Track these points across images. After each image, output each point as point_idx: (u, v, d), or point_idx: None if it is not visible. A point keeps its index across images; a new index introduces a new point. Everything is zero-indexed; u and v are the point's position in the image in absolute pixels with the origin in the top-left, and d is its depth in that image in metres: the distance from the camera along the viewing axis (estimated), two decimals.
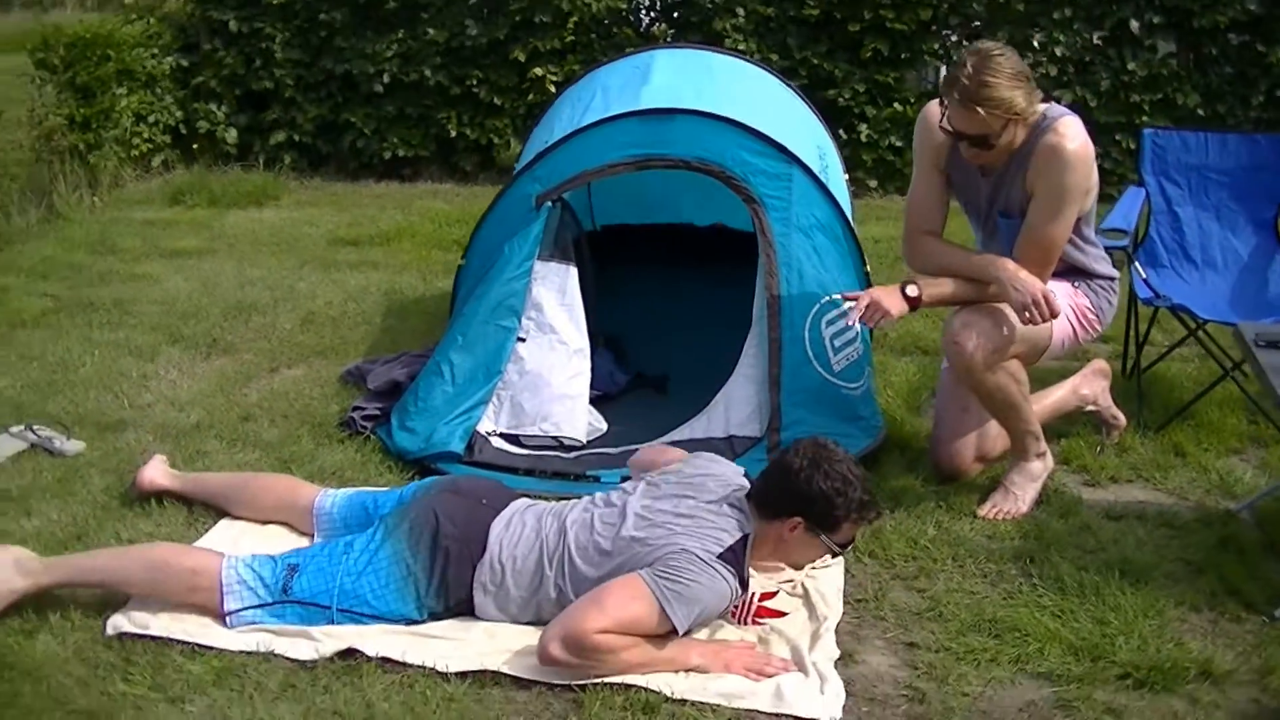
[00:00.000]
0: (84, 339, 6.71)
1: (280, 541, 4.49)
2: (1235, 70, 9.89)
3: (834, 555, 4.11)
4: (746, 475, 4.21)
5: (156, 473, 4.84)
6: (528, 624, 4.00)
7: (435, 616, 4.04)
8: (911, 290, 4.68)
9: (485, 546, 4.05)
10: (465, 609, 4.05)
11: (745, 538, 3.95)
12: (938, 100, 4.66)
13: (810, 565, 4.22)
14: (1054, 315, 4.54)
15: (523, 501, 4.29)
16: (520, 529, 4.09)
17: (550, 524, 4.09)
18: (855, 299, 4.72)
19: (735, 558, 3.90)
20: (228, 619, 3.96)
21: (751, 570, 4.04)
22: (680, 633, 3.77)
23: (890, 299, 4.68)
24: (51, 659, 3.82)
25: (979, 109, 4.43)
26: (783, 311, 5.14)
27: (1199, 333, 5.59)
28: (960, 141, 4.61)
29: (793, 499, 3.97)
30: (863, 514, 3.99)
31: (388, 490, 4.53)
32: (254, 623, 3.96)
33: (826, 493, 3.92)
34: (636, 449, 4.90)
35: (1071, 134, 4.54)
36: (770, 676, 3.77)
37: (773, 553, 4.07)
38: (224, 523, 4.65)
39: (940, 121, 4.61)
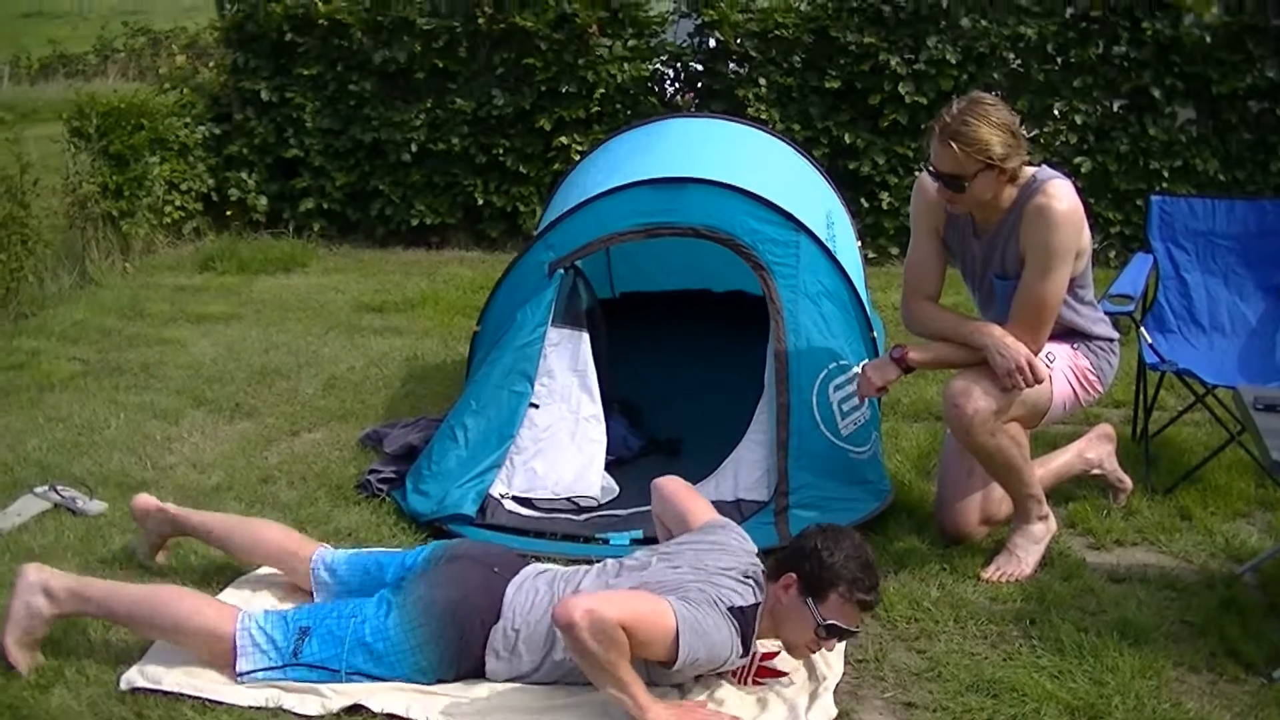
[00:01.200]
0: (110, 401, 6.83)
1: (291, 596, 4.57)
2: (1255, 136, 9.90)
3: (820, 636, 3.99)
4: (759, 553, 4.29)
5: (148, 500, 4.88)
6: (534, 684, 4.08)
7: (442, 681, 4.10)
8: (897, 352, 4.79)
9: (499, 613, 4.12)
10: (475, 674, 4.12)
11: (756, 605, 4.03)
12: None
13: (804, 652, 4.12)
14: (1038, 381, 4.62)
15: (534, 567, 4.36)
16: (533, 595, 4.15)
17: (563, 588, 4.14)
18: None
19: (744, 618, 3.96)
20: (239, 679, 4.05)
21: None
22: (675, 666, 3.82)
23: (876, 370, 4.85)
24: (66, 712, 3.92)
25: (954, 145, 4.55)
26: (790, 376, 5.22)
27: (1207, 398, 5.64)
28: (937, 182, 4.69)
29: (792, 555, 4.06)
30: (852, 587, 3.95)
31: (391, 553, 4.59)
32: (263, 675, 4.06)
33: (820, 549, 3.97)
34: (647, 510, 4.97)
35: (1060, 195, 4.62)
36: None
37: (770, 621, 4.08)
38: (231, 589, 4.70)
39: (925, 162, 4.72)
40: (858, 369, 4.97)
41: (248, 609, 4.26)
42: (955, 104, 4.64)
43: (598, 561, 4.37)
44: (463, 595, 4.13)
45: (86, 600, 4.21)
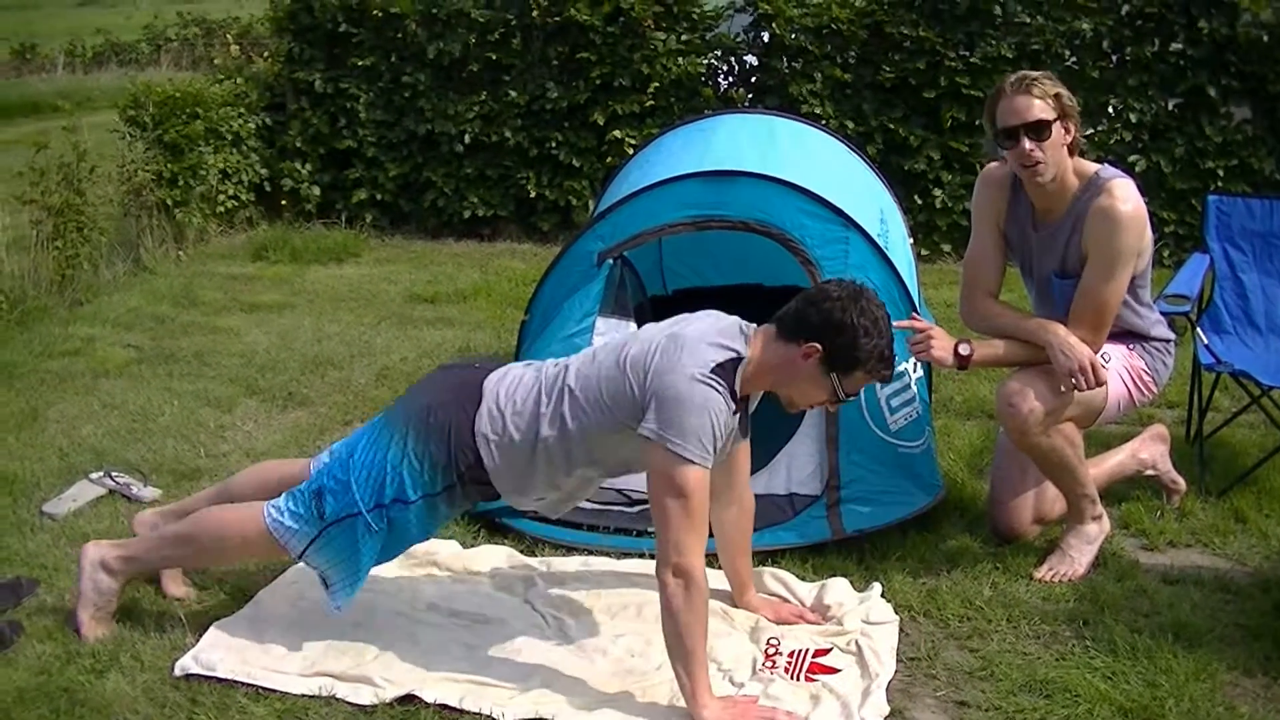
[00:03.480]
0: (164, 389, 6.89)
1: None
2: None
3: (833, 404, 4.06)
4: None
5: (146, 515, 4.84)
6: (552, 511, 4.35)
7: (451, 488, 4.12)
8: (964, 349, 4.73)
9: (481, 399, 4.14)
10: (478, 474, 4.12)
11: (737, 359, 3.93)
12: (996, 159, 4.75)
13: (800, 409, 4.18)
14: (1100, 384, 4.59)
15: (521, 363, 4.38)
16: (519, 378, 4.20)
17: (549, 369, 4.20)
18: (917, 326, 4.79)
19: (725, 374, 3.87)
20: (299, 561, 4.21)
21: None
22: (705, 466, 3.80)
23: (942, 343, 4.73)
24: (121, 697, 3.96)
25: (1031, 89, 4.56)
26: None
27: (1262, 399, 5.59)
28: (1016, 148, 4.63)
29: (820, 323, 3.91)
30: (879, 366, 3.94)
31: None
32: (319, 554, 4.15)
33: (855, 327, 3.87)
34: None
35: (1124, 195, 4.60)
36: None
37: (776, 379, 4.01)
38: None
39: (993, 124, 4.70)
40: (921, 324, 4.86)
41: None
42: (1009, 76, 4.68)
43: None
44: (441, 395, 4.21)
45: (138, 560, 4.38)
